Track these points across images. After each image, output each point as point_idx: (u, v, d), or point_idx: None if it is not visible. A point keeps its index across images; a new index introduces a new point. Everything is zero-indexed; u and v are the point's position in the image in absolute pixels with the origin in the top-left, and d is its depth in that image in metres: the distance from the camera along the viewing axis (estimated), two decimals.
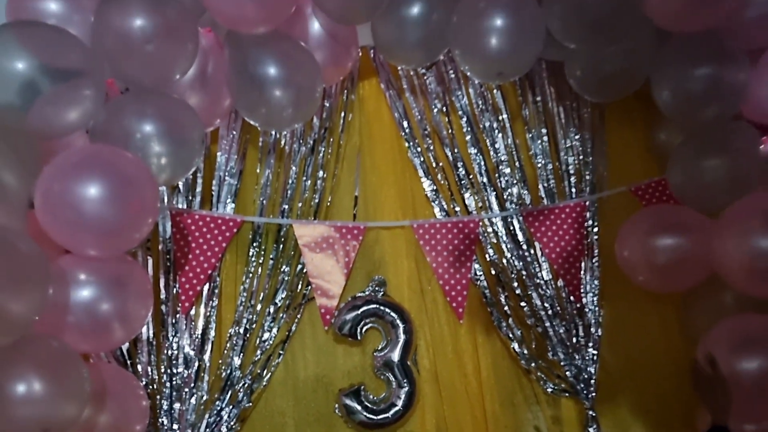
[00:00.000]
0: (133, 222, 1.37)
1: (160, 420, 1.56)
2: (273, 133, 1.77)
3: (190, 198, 1.69)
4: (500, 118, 1.91)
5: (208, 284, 1.68)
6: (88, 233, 1.33)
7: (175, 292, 1.63)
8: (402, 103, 1.90)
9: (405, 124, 1.87)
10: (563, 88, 1.92)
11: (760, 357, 1.50)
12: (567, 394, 1.79)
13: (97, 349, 1.40)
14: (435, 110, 1.91)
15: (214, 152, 1.74)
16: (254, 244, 1.74)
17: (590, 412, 1.75)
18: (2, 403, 1.20)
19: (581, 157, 1.94)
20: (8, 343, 1.23)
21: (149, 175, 1.41)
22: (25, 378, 1.20)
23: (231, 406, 1.62)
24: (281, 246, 1.74)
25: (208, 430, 1.59)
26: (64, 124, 1.42)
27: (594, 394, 1.77)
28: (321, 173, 1.80)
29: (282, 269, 1.73)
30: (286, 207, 1.77)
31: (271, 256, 1.74)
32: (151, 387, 1.57)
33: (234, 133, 1.80)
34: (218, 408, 1.61)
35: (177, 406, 1.60)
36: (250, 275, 1.72)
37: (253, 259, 1.73)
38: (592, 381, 1.77)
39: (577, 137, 1.94)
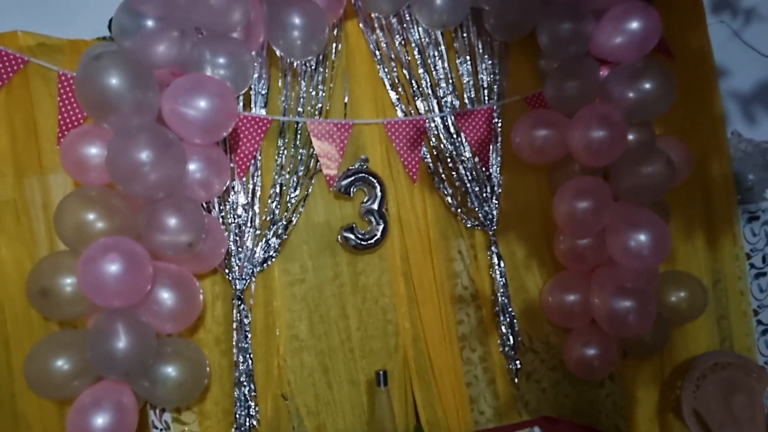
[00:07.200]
0: (225, 122, 1.91)
1: (229, 246, 2.10)
2: (288, 59, 2.19)
3: None
4: (439, 48, 2.33)
5: (253, 161, 2.13)
6: (198, 129, 1.86)
7: (232, 166, 2.12)
8: (374, 38, 2.29)
9: (377, 52, 2.29)
10: (482, 28, 2.31)
11: (587, 199, 2.13)
12: (479, 228, 2.35)
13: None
14: (397, 43, 2.29)
15: None
16: (281, 135, 2.19)
17: (492, 238, 2.34)
18: (162, 232, 1.78)
19: (492, 76, 2.38)
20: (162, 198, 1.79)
21: (232, 92, 1.90)
22: (173, 216, 1.79)
23: (275, 237, 2.15)
24: (299, 136, 2.19)
25: (261, 252, 2.14)
26: (158, 57, 1.83)
27: (495, 228, 2.34)
28: (321, 87, 2.23)
29: (300, 151, 2.20)
30: (300, 110, 2.20)
31: (292, 143, 2.18)
32: (223, 226, 2.10)
33: (261, 59, 2.17)
34: (266, 238, 2.16)
35: (239, 237, 2.13)
36: (280, 155, 2.18)
37: (281, 144, 2.18)
38: (495, 220, 2.34)
39: (489, 62, 2.38)
